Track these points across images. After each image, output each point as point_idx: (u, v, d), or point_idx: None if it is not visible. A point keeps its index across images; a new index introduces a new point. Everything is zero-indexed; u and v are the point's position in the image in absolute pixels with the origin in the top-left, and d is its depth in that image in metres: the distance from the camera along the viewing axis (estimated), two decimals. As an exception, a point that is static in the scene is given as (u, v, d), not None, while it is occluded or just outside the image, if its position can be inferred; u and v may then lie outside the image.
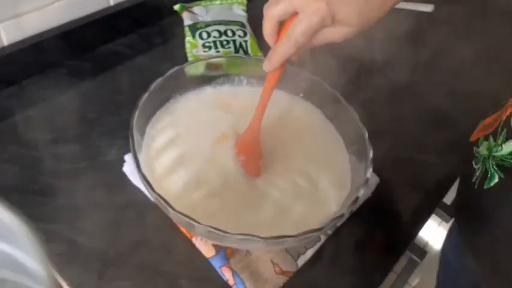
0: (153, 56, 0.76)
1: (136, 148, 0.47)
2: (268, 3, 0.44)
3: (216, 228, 0.41)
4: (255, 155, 0.54)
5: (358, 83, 0.74)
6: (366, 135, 0.53)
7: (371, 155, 0.51)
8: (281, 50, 0.44)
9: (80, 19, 0.71)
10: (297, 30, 0.42)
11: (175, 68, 0.55)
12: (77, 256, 0.50)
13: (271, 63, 0.46)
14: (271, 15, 0.43)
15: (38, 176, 0.56)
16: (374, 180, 0.62)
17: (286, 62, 0.46)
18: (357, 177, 0.53)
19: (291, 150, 0.57)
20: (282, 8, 0.42)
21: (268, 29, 0.44)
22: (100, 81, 0.69)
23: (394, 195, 0.63)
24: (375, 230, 0.59)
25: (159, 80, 0.53)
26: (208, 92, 0.61)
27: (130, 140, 0.47)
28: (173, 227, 0.53)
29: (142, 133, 0.53)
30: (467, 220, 0.58)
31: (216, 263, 0.51)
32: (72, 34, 0.69)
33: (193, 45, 0.74)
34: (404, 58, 0.82)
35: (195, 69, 0.59)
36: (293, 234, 0.43)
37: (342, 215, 0.46)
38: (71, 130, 0.61)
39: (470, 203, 0.56)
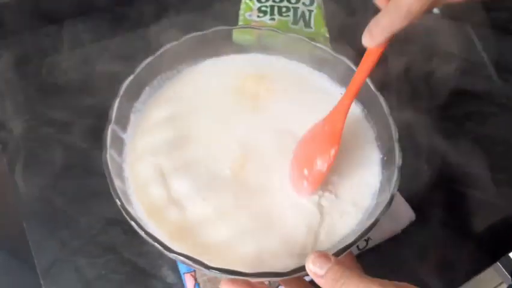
0: (205, 13, 0.68)
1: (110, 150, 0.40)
2: None
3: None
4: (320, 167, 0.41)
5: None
6: (396, 135, 0.41)
7: (399, 161, 0.40)
8: (388, 22, 0.33)
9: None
10: None
11: (190, 36, 0.47)
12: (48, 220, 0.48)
13: (373, 37, 0.35)
14: None
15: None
16: (407, 214, 0.49)
17: (393, 37, 0.35)
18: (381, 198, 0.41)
19: None
20: None
21: None
22: (140, 35, 0.64)
23: (433, 239, 0.49)
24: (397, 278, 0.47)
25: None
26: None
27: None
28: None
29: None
30: None
31: (182, 267, 0.45)
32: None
33: (248, 7, 0.65)
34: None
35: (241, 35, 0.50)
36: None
37: (349, 245, 0.35)
38: (92, 82, 0.58)
39: None
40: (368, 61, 0.37)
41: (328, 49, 0.48)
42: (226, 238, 0.39)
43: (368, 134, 0.46)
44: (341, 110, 0.40)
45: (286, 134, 0.45)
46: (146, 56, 0.45)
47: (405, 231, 0.48)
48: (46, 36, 0.62)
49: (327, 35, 0.63)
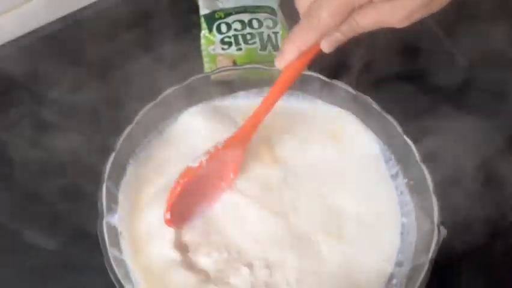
0: (163, 55, 0.61)
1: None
2: None
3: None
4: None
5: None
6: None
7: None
8: (298, 37, 0.32)
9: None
10: (322, 6, 0.30)
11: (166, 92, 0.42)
12: None
13: (283, 54, 0.33)
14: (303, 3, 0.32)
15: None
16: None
17: (309, 57, 0.34)
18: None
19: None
20: None
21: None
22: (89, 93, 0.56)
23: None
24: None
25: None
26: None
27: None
28: None
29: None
30: None
31: None
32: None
33: (209, 41, 0.59)
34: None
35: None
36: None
37: None
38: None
39: None
40: (279, 84, 0.36)
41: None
42: None
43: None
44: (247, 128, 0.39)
45: None
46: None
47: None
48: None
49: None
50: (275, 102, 0.37)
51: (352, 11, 0.30)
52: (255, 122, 0.38)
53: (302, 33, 0.32)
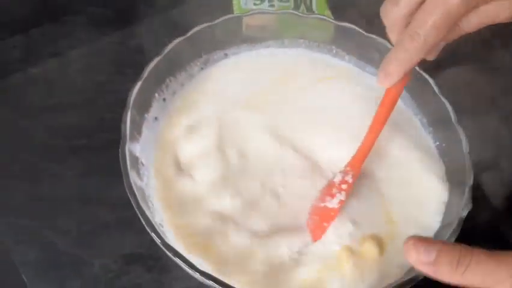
0: (191, 6, 0.60)
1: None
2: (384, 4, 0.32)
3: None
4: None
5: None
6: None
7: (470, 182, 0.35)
8: (405, 59, 0.30)
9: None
10: (427, 22, 0.28)
11: (198, 28, 0.40)
12: (53, 266, 0.39)
13: (389, 76, 0.31)
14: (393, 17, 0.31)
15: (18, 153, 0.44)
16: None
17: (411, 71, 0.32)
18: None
19: None
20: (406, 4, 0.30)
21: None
22: (122, 36, 0.55)
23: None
24: None
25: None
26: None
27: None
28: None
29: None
30: None
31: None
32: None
33: (242, -5, 0.58)
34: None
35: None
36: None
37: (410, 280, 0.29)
38: (74, 96, 0.49)
39: None
40: (386, 105, 0.34)
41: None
42: None
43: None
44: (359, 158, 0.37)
45: None
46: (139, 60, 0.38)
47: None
48: (13, 48, 0.52)
49: (332, 18, 0.58)
50: (383, 126, 0.36)
51: (458, 21, 0.29)
52: (363, 152, 0.37)
53: (408, 54, 0.30)
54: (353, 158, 0.37)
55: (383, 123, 0.35)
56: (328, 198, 0.36)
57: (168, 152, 0.37)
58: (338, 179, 0.37)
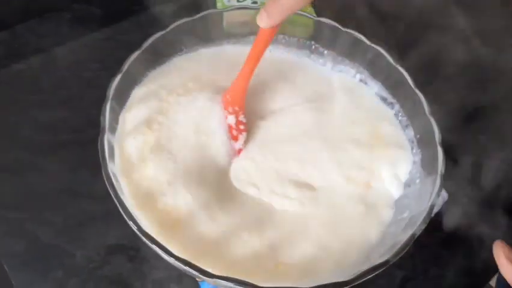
0: (176, 3, 0.61)
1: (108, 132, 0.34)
2: None
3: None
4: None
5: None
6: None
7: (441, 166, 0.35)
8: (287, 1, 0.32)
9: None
10: None
11: (178, 22, 0.41)
12: (36, 257, 0.40)
13: (270, 17, 0.33)
14: None
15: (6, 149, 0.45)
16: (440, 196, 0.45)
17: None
18: (419, 199, 0.37)
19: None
20: None
21: None
22: (108, 32, 0.56)
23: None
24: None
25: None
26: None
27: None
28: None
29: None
30: None
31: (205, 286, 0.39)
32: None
33: (225, -8, 0.59)
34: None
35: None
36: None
37: (384, 263, 0.30)
38: (61, 91, 0.50)
39: None
40: (260, 43, 0.36)
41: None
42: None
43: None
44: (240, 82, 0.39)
45: None
46: (125, 56, 0.39)
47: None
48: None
49: (314, 15, 0.58)
50: (258, 60, 0.38)
51: None
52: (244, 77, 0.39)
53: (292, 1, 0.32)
54: (232, 93, 0.39)
55: (258, 59, 0.37)
56: (232, 142, 0.39)
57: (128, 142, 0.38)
58: (232, 121, 0.39)
